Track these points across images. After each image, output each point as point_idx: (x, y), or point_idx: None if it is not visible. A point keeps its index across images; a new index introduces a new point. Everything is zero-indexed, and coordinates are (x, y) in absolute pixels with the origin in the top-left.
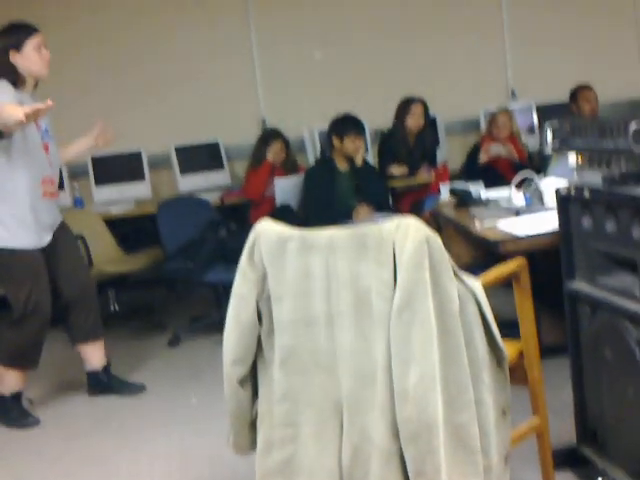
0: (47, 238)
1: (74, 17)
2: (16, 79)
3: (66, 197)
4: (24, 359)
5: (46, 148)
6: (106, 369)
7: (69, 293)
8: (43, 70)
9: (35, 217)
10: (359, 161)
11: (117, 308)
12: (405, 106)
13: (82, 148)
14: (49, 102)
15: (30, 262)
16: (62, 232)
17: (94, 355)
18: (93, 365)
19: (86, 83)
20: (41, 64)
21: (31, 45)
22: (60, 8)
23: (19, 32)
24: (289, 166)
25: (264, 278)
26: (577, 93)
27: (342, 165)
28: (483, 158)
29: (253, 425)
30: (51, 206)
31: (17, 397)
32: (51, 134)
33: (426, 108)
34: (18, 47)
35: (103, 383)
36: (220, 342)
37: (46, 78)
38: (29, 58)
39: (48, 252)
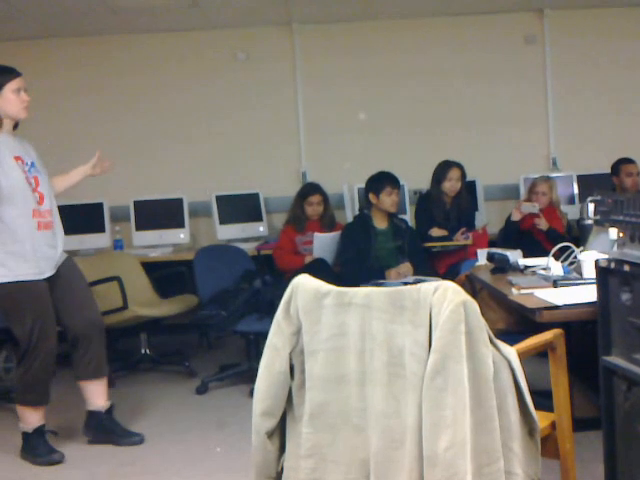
0: (48, 271)
1: (128, 66)
2: None
3: (106, 239)
4: (34, 396)
5: (36, 181)
6: (109, 412)
7: (74, 329)
8: (21, 113)
9: (33, 249)
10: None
11: (148, 351)
12: (442, 170)
13: (79, 177)
14: None
15: (32, 292)
16: (67, 268)
17: (96, 394)
18: (95, 405)
19: (136, 131)
20: (19, 107)
21: (10, 88)
22: (113, 55)
23: (0, 75)
24: (327, 221)
25: (299, 332)
26: (619, 166)
27: (380, 223)
28: (515, 216)
29: (278, 479)
30: (49, 238)
31: (40, 432)
32: (39, 167)
33: (463, 172)
34: None
35: (104, 426)
36: (248, 392)
37: (24, 120)
38: (7, 100)
39: (52, 287)
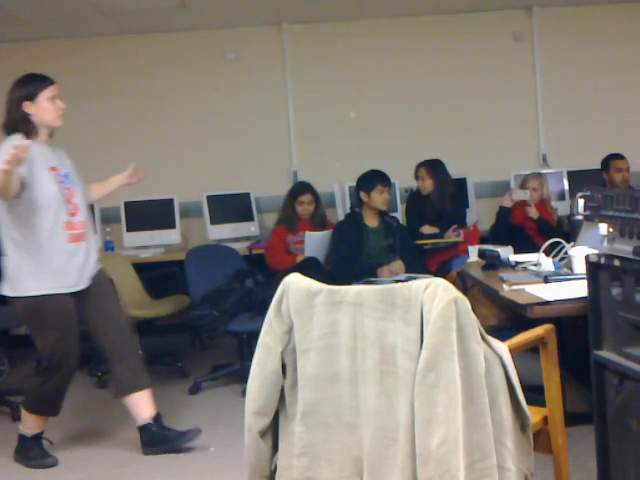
0: (81, 283)
1: (119, 68)
2: (29, 129)
3: (97, 240)
4: (45, 407)
5: (70, 192)
6: (157, 419)
7: (104, 343)
8: (56, 120)
9: (63, 262)
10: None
11: (140, 352)
12: (415, 171)
13: (115, 186)
14: (25, 142)
15: (58, 307)
16: (99, 280)
17: (141, 408)
18: (142, 420)
19: (127, 132)
20: (54, 114)
21: (45, 96)
22: (103, 57)
23: (34, 83)
24: (318, 220)
25: (290, 330)
26: (609, 162)
27: (371, 221)
28: (507, 202)
29: (271, 478)
30: (81, 250)
31: (38, 438)
32: (73, 178)
33: (432, 170)
34: (32, 97)
35: (156, 436)
36: (240, 392)
37: (60, 128)
38: (42, 108)
39: (84, 299)
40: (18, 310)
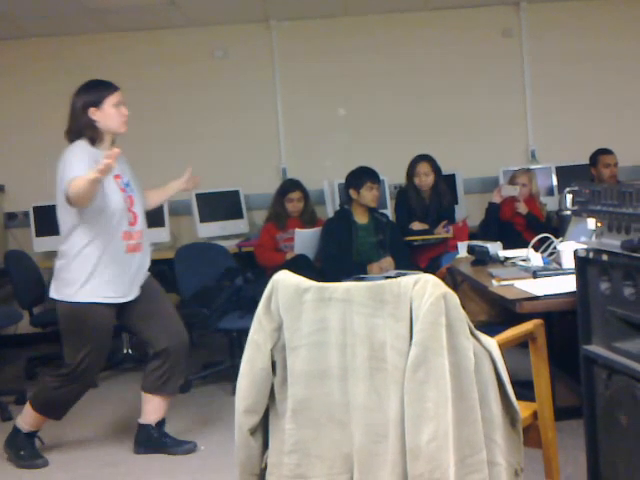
0: (131, 294)
1: (106, 65)
2: (95, 136)
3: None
4: (51, 410)
5: (131, 201)
6: (159, 425)
7: (158, 345)
8: (121, 127)
9: (118, 272)
10: (373, 204)
11: (130, 351)
12: (412, 165)
13: (173, 192)
14: (115, 150)
15: (99, 322)
16: (148, 285)
17: (153, 409)
18: (147, 419)
19: None
20: (119, 121)
21: (111, 102)
22: (90, 55)
23: (99, 89)
24: (307, 217)
25: (280, 328)
26: (597, 157)
27: (361, 218)
28: (496, 198)
29: (262, 476)
30: (135, 260)
31: (31, 436)
32: (133, 186)
33: (434, 166)
34: (98, 104)
35: (153, 439)
36: (231, 390)
37: (124, 135)
38: (108, 115)
39: (132, 307)
40: (59, 313)
